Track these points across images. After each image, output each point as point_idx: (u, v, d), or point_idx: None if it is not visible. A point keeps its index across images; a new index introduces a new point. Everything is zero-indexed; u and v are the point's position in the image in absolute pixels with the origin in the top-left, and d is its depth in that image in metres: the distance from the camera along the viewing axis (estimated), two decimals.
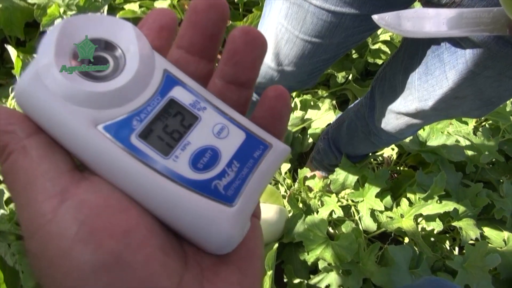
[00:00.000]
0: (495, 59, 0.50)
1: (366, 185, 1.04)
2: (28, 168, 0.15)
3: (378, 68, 1.35)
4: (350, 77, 1.30)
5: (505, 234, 1.03)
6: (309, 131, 1.25)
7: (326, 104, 1.26)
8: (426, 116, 0.69)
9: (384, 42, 1.28)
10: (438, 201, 0.97)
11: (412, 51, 0.63)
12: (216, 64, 0.20)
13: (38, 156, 0.15)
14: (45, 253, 0.15)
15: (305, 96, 1.26)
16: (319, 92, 1.35)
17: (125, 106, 0.17)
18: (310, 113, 1.26)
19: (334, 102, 1.32)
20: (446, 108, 0.63)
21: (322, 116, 1.25)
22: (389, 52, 1.27)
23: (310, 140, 1.26)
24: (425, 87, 0.62)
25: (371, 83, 0.81)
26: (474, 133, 1.17)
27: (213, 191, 0.17)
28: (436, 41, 0.57)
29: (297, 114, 1.25)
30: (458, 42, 0.52)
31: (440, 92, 0.59)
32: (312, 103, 1.26)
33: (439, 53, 0.57)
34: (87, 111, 0.16)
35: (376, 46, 1.27)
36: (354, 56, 1.36)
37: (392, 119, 0.75)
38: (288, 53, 0.65)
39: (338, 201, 1.10)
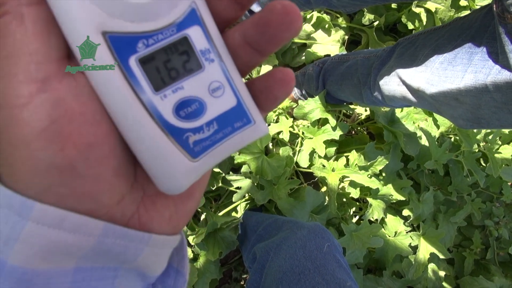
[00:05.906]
0: None
1: (323, 128, 1.07)
2: (19, 40, 0.14)
3: (405, 30, 1.29)
4: (375, 24, 1.23)
5: (400, 228, 1.15)
6: (307, 50, 1.21)
7: (338, 34, 1.20)
8: (422, 99, 0.69)
9: (427, 11, 1.20)
10: (369, 176, 1.04)
11: (454, 35, 0.62)
12: (243, 18, 0.18)
13: (33, 33, 0.14)
14: (4, 133, 0.14)
15: (323, 15, 1.19)
16: (339, 20, 1.27)
17: (138, 23, 0.16)
18: (319, 34, 1.21)
19: (346, 37, 1.26)
20: (442, 103, 0.64)
21: (328, 44, 1.20)
22: (424, 23, 1.20)
23: (303, 58, 1.23)
24: (440, 73, 0.62)
25: (398, 41, 0.79)
26: (437, 139, 1.21)
27: (183, 141, 0.17)
28: (480, 39, 0.56)
29: (306, 27, 1.18)
30: (497, 54, 0.52)
31: (448, 86, 0.60)
32: (326, 26, 1.19)
33: (473, 52, 0.57)
34: (99, 12, 0.15)
35: (417, 10, 1.19)
36: (393, 6, 1.27)
37: (394, 82, 0.75)
38: None
39: (292, 126, 1.13)
